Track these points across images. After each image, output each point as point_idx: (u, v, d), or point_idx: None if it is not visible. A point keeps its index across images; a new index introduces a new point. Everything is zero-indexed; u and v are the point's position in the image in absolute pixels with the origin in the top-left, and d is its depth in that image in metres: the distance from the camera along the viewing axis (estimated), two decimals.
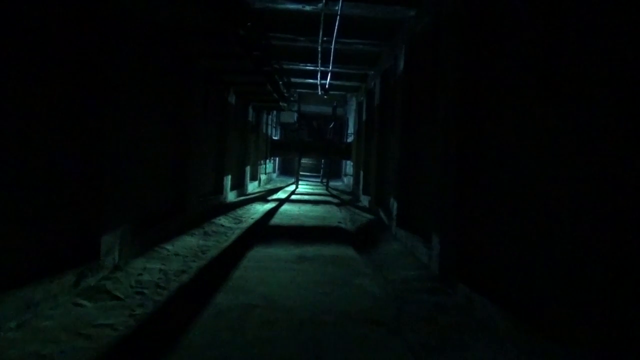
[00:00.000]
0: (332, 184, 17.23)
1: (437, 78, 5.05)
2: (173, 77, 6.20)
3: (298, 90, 14.92)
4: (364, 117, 12.22)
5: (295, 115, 18.91)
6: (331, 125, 17.64)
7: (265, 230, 6.98)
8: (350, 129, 16.69)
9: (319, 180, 18.68)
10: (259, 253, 5.35)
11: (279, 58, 9.72)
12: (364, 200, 11.15)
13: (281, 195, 12.71)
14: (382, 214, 8.20)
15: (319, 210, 9.80)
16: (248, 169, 12.16)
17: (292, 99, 15.99)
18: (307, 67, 10.43)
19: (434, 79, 5.37)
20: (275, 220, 8.00)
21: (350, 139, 17.26)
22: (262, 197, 11.62)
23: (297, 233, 6.91)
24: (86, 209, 3.79)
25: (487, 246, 3.70)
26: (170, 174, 6.26)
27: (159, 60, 5.69)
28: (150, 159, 5.48)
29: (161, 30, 5.24)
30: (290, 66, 10.53)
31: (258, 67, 7.51)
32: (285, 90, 12.05)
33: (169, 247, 5.28)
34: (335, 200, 12.15)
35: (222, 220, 7.50)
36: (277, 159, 21.05)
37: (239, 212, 8.64)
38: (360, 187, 12.06)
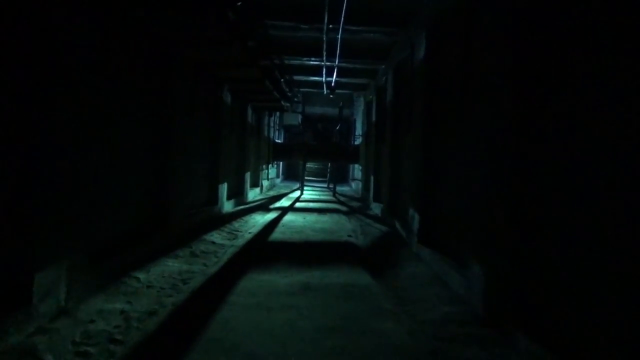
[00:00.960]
0: (339, 189, 16.21)
1: (478, 63, 4.04)
2: (148, 68, 5.23)
3: (302, 89, 13.94)
4: (373, 118, 11.20)
5: (299, 117, 17.93)
6: (337, 128, 16.64)
7: (263, 249, 5.97)
8: (358, 131, 15.67)
9: (325, 185, 17.66)
10: (253, 282, 4.35)
11: (279, 52, 8.75)
12: (375, 208, 10.12)
13: (284, 203, 11.71)
14: (398, 226, 7.17)
15: (326, 220, 8.79)
16: (248, 175, 11.18)
17: (295, 99, 15.03)
18: (311, 62, 9.44)
19: (467, 65, 4.35)
20: (276, 234, 6.99)
21: (358, 142, 16.25)
22: (264, 206, 10.63)
23: (301, 251, 5.91)
24: (7, 238, 2.81)
25: (565, 284, 2.66)
26: (147, 185, 5.27)
27: (127, 46, 4.72)
28: (117, 166, 4.49)
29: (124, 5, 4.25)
30: (292, 61, 9.54)
31: (253, 59, 6.52)
32: (287, 89, 11.06)
33: (142, 275, 4.29)
34: (344, 208, 11.14)
35: (215, 236, 6.50)
36: (280, 163, 20.07)
37: (236, 225, 7.64)
38: (371, 193, 11.03)
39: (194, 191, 7.22)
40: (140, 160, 5.03)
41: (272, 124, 15.32)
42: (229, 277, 4.50)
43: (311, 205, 11.58)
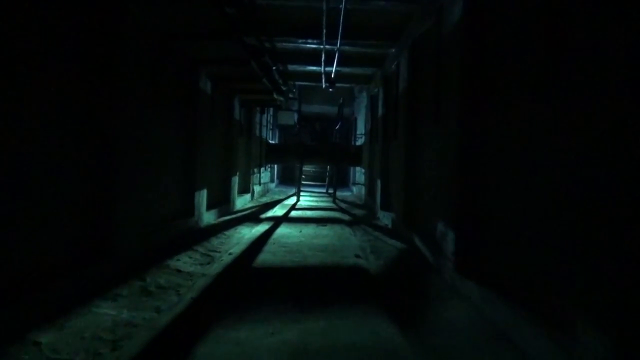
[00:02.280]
0: (339, 194, 14.68)
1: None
2: (80, 33, 3.72)
3: (298, 83, 12.45)
4: (379, 112, 9.72)
5: (296, 115, 16.43)
6: (337, 127, 15.14)
7: (244, 280, 4.46)
8: (361, 130, 14.18)
9: (324, 190, 16.14)
10: (220, 346, 2.83)
11: (269, 33, 7.26)
12: (384, 218, 8.62)
13: (278, 211, 10.19)
14: (418, 243, 5.68)
15: (326, 234, 7.28)
16: (236, 179, 9.67)
17: (290, 95, 13.54)
18: (308, 45, 7.95)
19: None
20: (265, 255, 5.48)
21: (360, 142, 14.76)
22: (254, 216, 9.11)
23: (296, 282, 4.40)
24: None
25: None
26: (79, 196, 3.75)
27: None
28: (25, 167, 2.98)
29: None
30: (286, 44, 8.04)
31: (233, 31, 5.04)
32: (280, 81, 9.57)
33: (48, 336, 2.77)
34: (346, 217, 9.63)
35: (184, 259, 4.98)
36: (275, 166, 18.56)
37: (215, 242, 6.13)
38: (377, 200, 9.53)
39: (161, 200, 5.70)
40: (65, 160, 3.52)
41: (265, 123, 13.81)
42: (186, 335, 2.98)
43: (309, 214, 10.08)
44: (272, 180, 17.44)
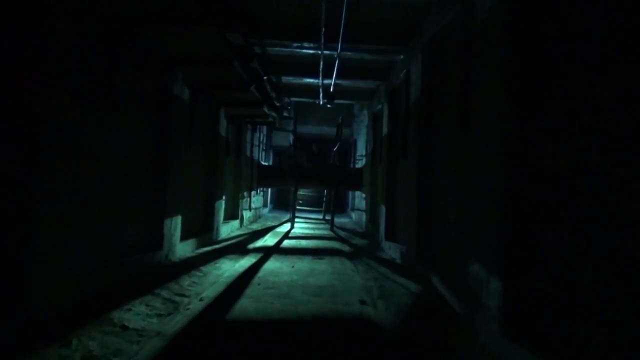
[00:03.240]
0: (336, 220, 13.45)
1: None
2: None
3: (293, 99, 11.45)
4: (384, 130, 8.68)
5: (291, 136, 15.40)
6: (335, 148, 14.09)
7: (213, 341, 3.26)
8: (361, 151, 13.14)
9: (321, 216, 14.96)
10: None
11: (259, 35, 6.27)
12: (390, 250, 7.45)
13: (269, 240, 9.01)
14: (440, 286, 4.53)
15: (323, 269, 6.11)
16: (221, 204, 8.52)
17: (285, 114, 12.56)
18: (305, 51, 6.94)
19: None
20: (246, 301, 4.29)
21: (360, 164, 13.70)
22: (240, 246, 7.93)
23: (283, 346, 3.21)
24: None
25: None
26: None
27: None
28: None
29: None
30: (279, 50, 7.03)
31: (212, 17, 4.01)
32: (273, 94, 8.56)
33: None
34: (346, 248, 8.46)
35: (138, 308, 3.80)
36: (268, 190, 17.41)
37: (186, 281, 4.93)
38: (381, 228, 8.38)
39: (114, 231, 4.55)
40: None
41: (257, 143, 12.76)
42: None
43: (304, 243, 8.89)
44: (265, 205, 16.27)
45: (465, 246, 4.01)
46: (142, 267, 4.94)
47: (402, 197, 7.26)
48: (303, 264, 6.50)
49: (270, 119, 9.62)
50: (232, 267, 5.95)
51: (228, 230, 9.37)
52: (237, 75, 5.63)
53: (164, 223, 5.44)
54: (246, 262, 6.39)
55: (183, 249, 6.22)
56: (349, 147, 17.53)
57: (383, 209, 8.31)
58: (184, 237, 6.36)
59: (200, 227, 7.62)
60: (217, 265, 6.03)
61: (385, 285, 5.27)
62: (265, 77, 7.41)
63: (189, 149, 6.50)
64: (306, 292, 4.75)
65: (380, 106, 9.42)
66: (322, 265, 6.47)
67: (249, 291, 4.68)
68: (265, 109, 8.18)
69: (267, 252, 7.41)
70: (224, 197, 9.21)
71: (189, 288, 4.70)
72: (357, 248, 8.55)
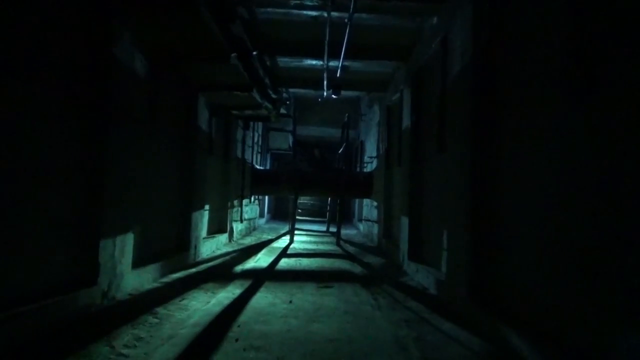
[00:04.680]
0: (342, 232, 11.62)
1: None
2: None
3: (292, 92, 9.76)
4: (404, 124, 6.97)
5: (290, 138, 13.70)
6: (341, 150, 12.37)
7: None
8: (371, 152, 11.40)
9: (324, 228, 13.17)
10: None
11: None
12: (417, 274, 5.71)
13: (262, 260, 7.27)
14: (529, 353, 2.79)
15: (333, 305, 4.39)
16: (201, 216, 6.81)
17: (283, 111, 10.87)
18: (305, 13, 5.27)
19: None
20: None
21: (369, 168, 11.97)
22: (223, 270, 6.19)
23: None
24: None
25: None
26: None
27: None
28: None
29: None
30: (271, 11, 5.35)
31: None
32: (267, 80, 6.89)
33: None
34: (358, 270, 6.73)
35: None
36: (265, 198, 15.67)
37: (124, 339, 3.18)
38: (403, 246, 6.64)
39: (24, 262, 2.84)
40: None
41: (250, 143, 11.04)
42: None
43: (305, 263, 7.15)
44: (261, 215, 14.52)
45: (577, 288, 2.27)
46: (63, 314, 3.21)
47: (435, 205, 5.54)
48: (304, 296, 4.77)
49: (265, 112, 7.92)
50: (205, 305, 4.21)
51: (212, 247, 7.63)
52: (209, 32, 3.94)
53: (101, 246, 3.71)
54: (226, 295, 4.65)
55: (137, 279, 4.49)
56: (355, 150, 15.80)
57: (405, 221, 6.58)
58: (140, 263, 4.64)
59: (171, 246, 5.90)
60: (184, 302, 4.29)
61: (427, 337, 3.53)
62: (255, 53, 5.74)
63: (148, 143, 4.80)
64: (308, 353, 3.01)
65: (398, 95, 7.73)
66: (331, 299, 4.73)
67: (218, 358, 2.94)
68: (257, 96, 6.48)
69: (258, 278, 5.67)
70: (206, 207, 7.49)
71: (125, 353, 2.96)
72: (372, 270, 6.81)
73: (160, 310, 3.92)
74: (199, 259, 6.70)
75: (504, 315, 3.30)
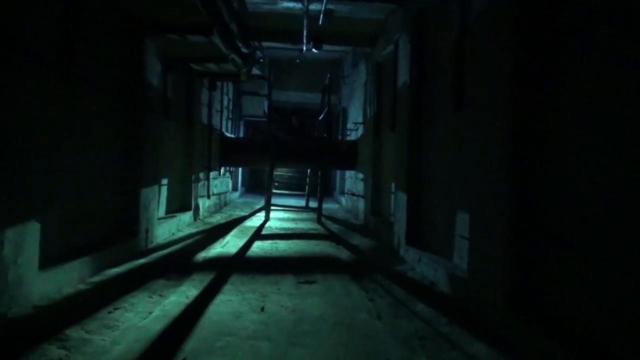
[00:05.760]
0: (324, 207, 10.47)
1: None
2: None
3: (266, 45, 8.39)
4: (401, 80, 5.79)
5: (265, 103, 12.35)
6: (321, 117, 11.13)
7: None
8: (355, 118, 10.19)
9: (304, 203, 12.06)
10: None
11: None
12: (419, 264, 4.67)
13: (231, 244, 6.12)
14: None
15: (317, 312, 3.31)
16: (154, 193, 5.56)
17: (257, 72, 9.53)
18: None
19: None
20: None
21: (352, 138, 10.80)
22: (181, 259, 5.03)
23: None
24: None
25: None
26: None
27: None
28: None
29: None
30: None
31: None
32: (234, 26, 5.57)
33: None
34: (345, 255, 5.70)
35: None
36: (239, 170, 14.38)
37: None
38: (400, 227, 5.59)
39: None
40: None
41: (219, 107, 9.67)
42: None
43: (282, 247, 6.04)
44: (234, 189, 13.28)
45: None
46: None
47: (444, 179, 4.46)
48: (280, 299, 3.67)
49: (232, 67, 6.59)
50: (143, 319, 3.06)
51: (172, 228, 6.42)
52: None
53: None
54: (177, 300, 3.51)
55: (51, 283, 3.28)
56: (336, 117, 14.56)
57: (402, 197, 5.49)
58: (57, 260, 3.42)
59: (111, 232, 4.67)
60: (114, 314, 3.12)
61: None
62: None
63: (62, 94, 3.51)
64: None
65: (391, 47, 6.51)
66: (315, 301, 3.65)
67: None
68: (219, 43, 5.15)
69: (223, 271, 4.54)
70: (164, 182, 6.25)
71: None
72: (362, 255, 5.77)
73: (74, 332, 2.74)
74: (153, 245, 5.50)
75: (562, 335, 2.26)
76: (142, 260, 4.72)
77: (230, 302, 3.52)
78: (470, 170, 3.47)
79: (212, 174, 8.91)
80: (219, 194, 10.00)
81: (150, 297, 3.57)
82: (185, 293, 3.72)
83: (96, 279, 3.91)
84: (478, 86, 3.38)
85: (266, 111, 12.49)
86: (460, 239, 3.85)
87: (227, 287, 3.96)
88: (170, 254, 5.23)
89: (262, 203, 11.99)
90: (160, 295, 3.64)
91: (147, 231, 5.25)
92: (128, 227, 4.93)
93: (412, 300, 3.77)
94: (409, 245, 5.13)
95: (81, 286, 3.65)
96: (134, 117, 4.87)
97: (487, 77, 3.20)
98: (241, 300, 3.58)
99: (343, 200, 12.74)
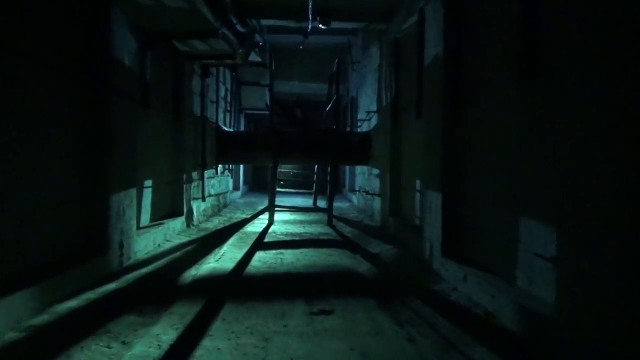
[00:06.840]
0: (333, 206, 9.35)
1: None
2: None
3: (265, 24, 7.33)
4: (431, 54, 4.72)
5: (267, 94, 11.31)
6: (328, 107, 10.08)
7: None
8: (369, 107, 9.11)
9: (311, 202, 11.04)
10: None
11: None
12: (462, 283, 3.65)
13: (227, 256, 5.11)
14: None
15: None
16: (132, 197, 4.55)
17: (258, 58, 8.56)
18: None
19: None
20: None
21: (362, 129, 9.74)
22: (161, 282, 4.02)
23: None
24: None
25: None
26: None
27: None
28: None
29: None
30: None
31: None
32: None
33: None
34: (365, 268, 4.70)
35: None
36: (240, 167, 13.36)
37: None
38: (432, 234, 4.56)
39: None
40: None
41: (215, 97, 8.63)
42: None
43: (288, 259, 5.02)
44: (235, 188, 12.27)
45: None
46: None
47: (498, 176, 3.41)
48: (289, 343, 2.68)
49: (226, 46, 5.55)
50: None
51: (158, 239, 5.42)
52: None
53: None
54: (144, 352, 2.50)
55: None
56: (344, 108, 13.49)
57: (435, 197, 4.45)
58: None
59: (71, 252, 3.67)
60: None
61: None
62: None
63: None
64: None
65: (413, 19, 5.45)
66: (334, 346, 2.65)
67: None
68: (205, 11, 4.11)
69: (213, 298, 3.53)
70: (147, 183, 5.25)
71: None
72: (384, 267, 4.74)
73: None
74: (130, 262, 4.48)
75: None
76: (111, 286, 3.71)
77: (218, 354, 2.51)
78: (558, 161, 2.42)
79: (208, 173, 7.90)
80: (216, 195, 8.99)
81: (108, 348, 2.57)
82: (157, 338, 2.71)
83: (39, 319, 2.90)
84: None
85: (268, 103, 11.44)
86: (533, 257, 2.81)
87: (216, 326, 2.95)
88: (150, 274, 4.21)
89: (265, 203, 10.96)
90: (123, 343, 2.64)
91: (121, 246, 4.24)
92: (95, 242, 3.93)
93: (466, 340, 2.75)
94: (446, 257, 4.09)
95: (12, 334, 2.64)
96: (97, 102, 3.85)
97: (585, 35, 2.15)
98: (234, 350, 2.57)
99: (354, 198, 11.69)
